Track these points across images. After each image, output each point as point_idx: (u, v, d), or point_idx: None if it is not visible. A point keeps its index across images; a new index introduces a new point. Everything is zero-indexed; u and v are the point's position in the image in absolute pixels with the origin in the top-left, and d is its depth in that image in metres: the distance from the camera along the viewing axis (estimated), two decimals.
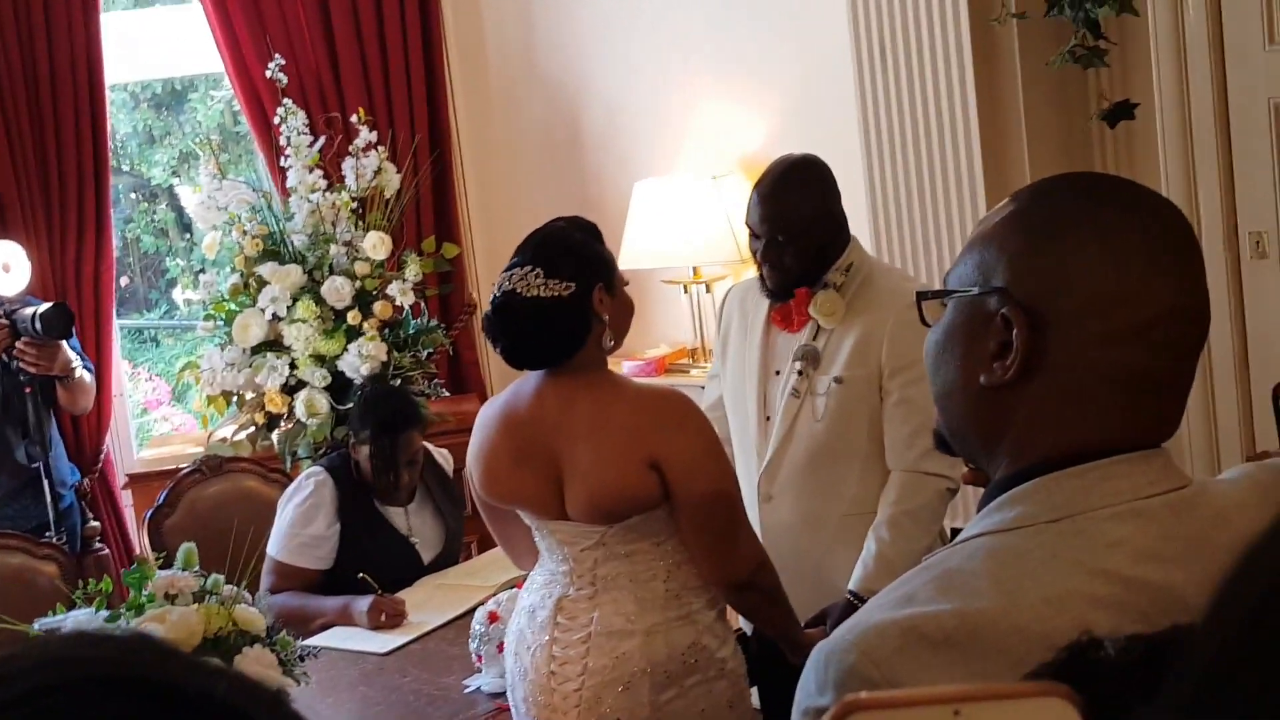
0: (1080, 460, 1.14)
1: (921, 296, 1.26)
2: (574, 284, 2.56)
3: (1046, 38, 3.99)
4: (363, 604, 3.51)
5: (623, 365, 4.80)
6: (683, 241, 4.71)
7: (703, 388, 3.47)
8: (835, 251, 3.04)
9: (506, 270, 2.61)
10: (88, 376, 4.47)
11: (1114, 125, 3.99)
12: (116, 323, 5.42)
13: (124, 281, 7.72)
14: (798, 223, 2.98)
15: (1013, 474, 1.17)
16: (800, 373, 3.04)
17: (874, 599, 1.16)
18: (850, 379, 2.99)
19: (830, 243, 3.03)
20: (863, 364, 2.98)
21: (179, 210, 7.66)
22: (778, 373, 3.10)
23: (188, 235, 7.52)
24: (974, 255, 1.20)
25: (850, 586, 2.93)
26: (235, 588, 2.93)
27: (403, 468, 3.71)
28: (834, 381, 2.99)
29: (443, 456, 3.99)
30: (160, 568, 2.94)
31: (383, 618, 3.48)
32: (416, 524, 3.81)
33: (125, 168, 7.85)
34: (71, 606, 2.90)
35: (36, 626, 2.83)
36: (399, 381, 4.45)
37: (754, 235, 3.04)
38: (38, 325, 4.11)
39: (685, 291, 4.90)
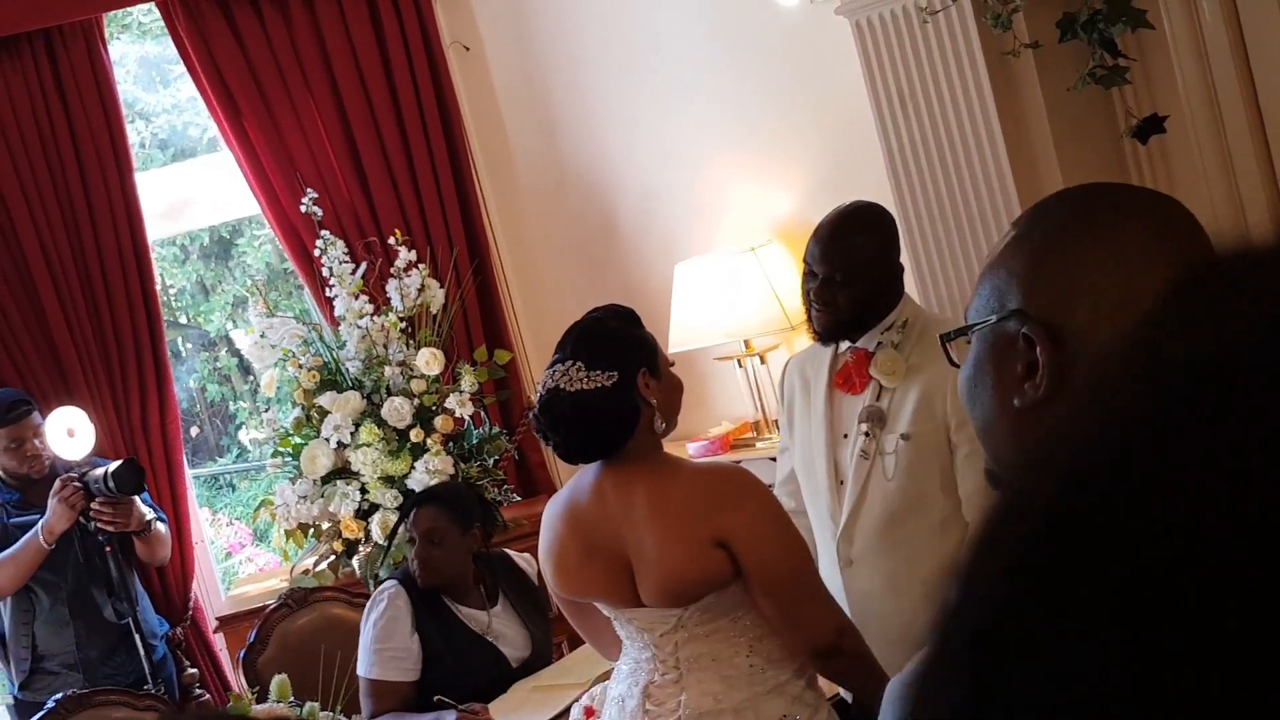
0: None
1: (945, 339, 1.26)
2: (616, 372, 2.56)
3: (1064, 63, 3.97)
4: (450, 717, 3.49)
5: (687, 447, 4.78)
6: (730, 317, 4.71)
7: (772, 459, 3.44)
8: (887, 303, 3.03)
9: (549, 367, 2.62)
10: (163, 527, 4.54)
11: (1145, 141, 3.95)
12: (189, 472, 5.49)
13: (194, 431, 7.84)
14: (857, 263, 2.97)
15: None
16: (867, 434, 3.01)
17: None
18: (917, 434, 2.96)
19: (884, 292, 3.03)
20: (929, 419, 2.96)
21: (239, 355, 7.79)
22: (845, 436, 3.08)
23: (250, 378, 7.64)
24: (986, 285, 1.21)
25: None
26: (330, 713, 2.94)
27: (420, 543, 3.64)
28: (901, 439, 2.97)
29: (525, 561, 3.97)
30: (255, 703, 2.96)
31: None
32: (497, 626, 3.79)
33: (183, 320, 8.01)
34: None
35: None
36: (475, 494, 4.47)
37: (810, 273, 3.03)
38: (110, 484, 4.18)
39: (739, 366, 4.89)
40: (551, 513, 2.74)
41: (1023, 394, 1.16)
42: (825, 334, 3.05)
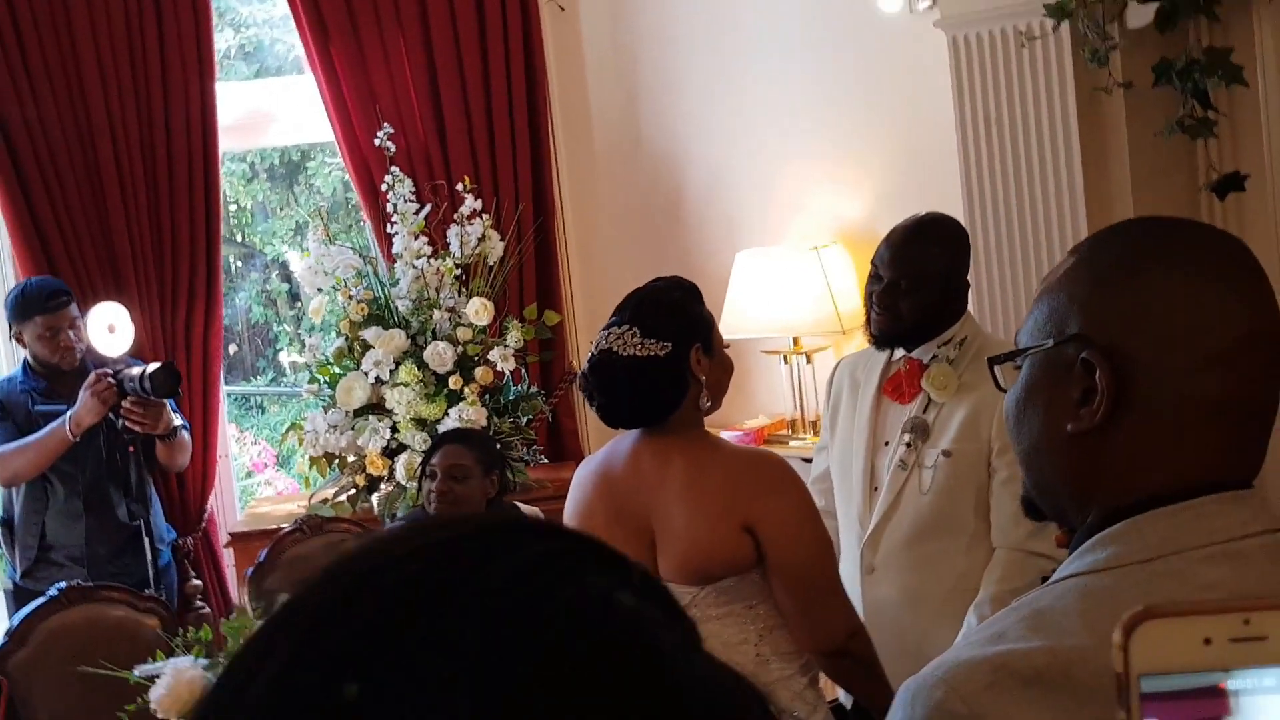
0: (1172, 500, 1.12)
1: (994, 361, 1.24)
2: (671, 344, 2.55)
3: (1153, 107, 3.94)
4: None
5: (721, 435, 4.77)
6: (783, 312, 4.69)
7: (805, 460, 3.43)
8: (949, 316, 3.03)
9: (605, 329, 2.62)
10: (186, 435, 4.55)
11: (1223, 197, 3.92)
12: (224, 387, 5.51)
13: (232, 349, 7.88)
14: (925, 273, 2.97)
15: (1104, 517, 1.15)
16: (909, 444, 3.00)
17: (962, 638, 1.14)
18: (959, 453, 2.95)
19: (947, 305, 3.02)
20: (972, 439, 2.94)
21: (289, 281, 7.83)
22: (886, 444, 3.07)
23: (297, 304, 7.67)
24: (1042, 308, 1.19)
25: None
26: None
27: (441, 476, 3.62)
28: (942, 455, 2.96)
29: (533, 512, 3.98)
30: (258, 619, 2.97)
31: None
32: None
33: (238, 239, 8.05)
34: (171, 655, 2.93)
35: (136, 673, 2.86)
36: (498, 446, 4.47)
37: (875, 276, 3.03)
38: (146, 385, 4.17)
39: (785, 362, 4.87)
40: (583, 474, 2.75)
41: (1077, 419, 1.15)
42: (881, 339, 3.04)
